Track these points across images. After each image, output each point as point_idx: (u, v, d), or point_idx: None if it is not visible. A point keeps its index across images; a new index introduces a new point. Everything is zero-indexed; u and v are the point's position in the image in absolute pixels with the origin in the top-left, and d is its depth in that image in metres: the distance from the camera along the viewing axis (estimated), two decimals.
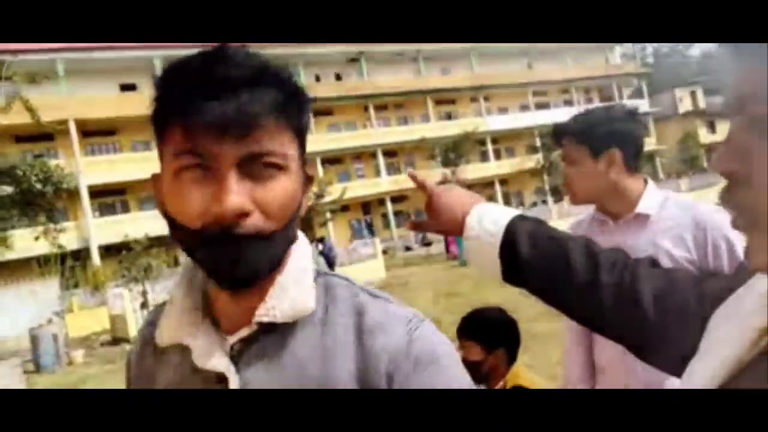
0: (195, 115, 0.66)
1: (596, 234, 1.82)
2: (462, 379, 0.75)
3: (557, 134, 1.85)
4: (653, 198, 1.75)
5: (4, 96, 11.91)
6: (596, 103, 44.56)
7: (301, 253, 0.80)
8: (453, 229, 1.11)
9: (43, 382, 11.47)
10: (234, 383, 0.74)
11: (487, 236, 1.04)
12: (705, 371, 0.64)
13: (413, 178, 1.19)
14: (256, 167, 0.69)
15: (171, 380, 0.80)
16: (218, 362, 0.75)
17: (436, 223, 1.13)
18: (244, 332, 0.75)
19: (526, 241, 1.00)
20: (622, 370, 1.74)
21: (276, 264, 0.74)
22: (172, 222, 0.72)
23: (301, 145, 0.76)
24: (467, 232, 1.07)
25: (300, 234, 0.82)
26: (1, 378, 11.89)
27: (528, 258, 0.99)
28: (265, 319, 0.74)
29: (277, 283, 0.75)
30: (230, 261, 0.69)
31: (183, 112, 0.66)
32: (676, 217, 1.71)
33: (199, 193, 0.69)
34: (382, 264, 21.41)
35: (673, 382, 1.66)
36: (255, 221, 0.69)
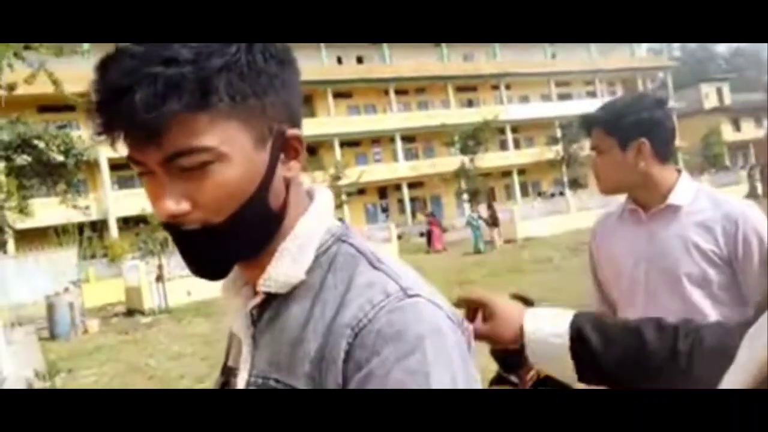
0: (107, 129, 0.67)
1: (627, 224, 1.81)
2: (438, 369, 0.65)
3: (585, 124, 1.83)
4: (685, 189, 1.72)
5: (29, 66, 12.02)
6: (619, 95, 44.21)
7: (309, 221, 0.77)
8: (510, 336, 1.10)
9: (57, 349, 11.67)
10: (246, 347, 0.79)
11: (552, 338, 1.04)
12: (734, 384, 0.64)
13: (469, 298, 1.16)
14: (183, 165, 0.68)
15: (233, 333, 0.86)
16: (237, 325, 0.80)
17: (494, 331, 1.12)
18: (256, 300, 0.78)
19: (595, 334, 1.00)
20: None
21: (242, 250, 0.75)
22: None
23: (259, 126, 0.71)
24: (528, 336, 1.07)
25: (321, 198, 0.81)
26: (16, 344, 12.10)
27: (602, 349, 0.99)
28: (263, 289, 0.76)
29: (279, 251, 0.75)
30: (185, 256, 0.73)
31: (102, 128, 0.67)
32: (707, 210, 1.68)
33: (153, 196, 0.71)
34: (396, 249, 21.45)
35: None
36: (196, 217, 0.70)
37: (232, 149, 0.69)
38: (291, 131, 0.75)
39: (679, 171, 1.77)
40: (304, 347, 0.71)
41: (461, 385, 0.66)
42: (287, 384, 0.72)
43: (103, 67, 0.67)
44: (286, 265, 0.75)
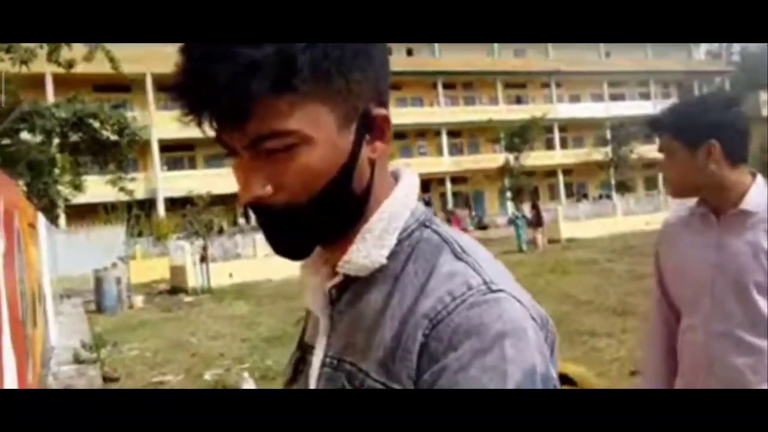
0: (192, 111, 0.67)
1: (696, 229, 1.74)
2: (516, 368, 0.62)
3: (653, 127, 1.78)
4: (760, 194, 1.64)
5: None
6: (673, 99, 42.88)
7: (393, 202, 0.75)
8: None
9: (103, 322, 12.02)
10: (323, 327, 0.78)
11: None
12: None
13: None
14: (267, 148, 0.67)
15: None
16: (315, 304, 0.80)
17: None
18: (335, 280, 0.77)
19: None
20: (704, 373, 1.68)
21: (324, 232, 0.74)
22: None
23: (343, 107, 0.69)
24: None
25: (406, 180, 0.78)
26: (64, 315, 12.51)
27: None
28: (343, 271, 0.75)
29: (360, 234, 0.74)
30: (268, 236, 0.73)
31: (187, 110, 0.67)
32: None
33: (239, 177, 0.71)
34: None
35: (754, 382, 1.59)
36: (280, 199, 0.69)
37: (316, 132, 0.67)
38: (377, 111, 0.73)
39: (753, 174, 1.69)
40: (380, 334, 0.70)
41: (539, 387, 0.63)
42: (360, 368, 0.71)
43: (188, 49, 0.66)
44: (368, 248, 0.73)
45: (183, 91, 0.66)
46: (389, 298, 0.71)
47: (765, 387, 1.59)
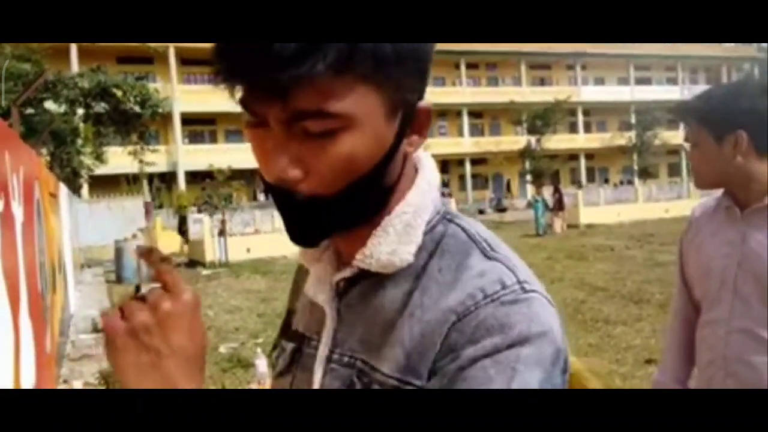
0: (229, 78, 0.61)
1: (721, 222, 1.69)
2: (528, 370, 0.60)
3: (679, 114, 1.72)
4: None
5: None
6: (701, 84, 41.94)
7: (419, 195, 0.71)
8: None
9: (122, 292, 12.20)
10: (330, 321, 0.74)
11: None
12: None
13: None
14: (307, 128, 0.61)
15: (305, 299, 0.82)
16: (320, 296, 0.76)
17: None
18: (346, 272, 0.73)
19: None
20: (722, 370, 1.65)
21: (343, 224, 0.69)
22: None
23: (393, 95, 0.65)
24: None
25: (427, 168, 0.74)
26: (84, 284, 12.71)
27: None
28: (362, 266, 0.71)
29: (382, 227, 0.69)
30: (288, 222, 0.68)
31: (223, 75, 0.61)
32: None
33: (258, 151, 0.66)
34: None
35: None
36: (306, 187, 0.64)
37: (363, 118, 0.63)
38: (422, 104, 0.69)
39: None
40: (398, 333, 0.67)
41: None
42: (373, 366, 0.68)
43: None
44: (391, 243, 0.69)
45: (231, 53, 0.61)
46: (409, 295, 0.68)
47: None
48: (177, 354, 0.62)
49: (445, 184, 42.20)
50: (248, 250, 17.25)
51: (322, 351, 0.74)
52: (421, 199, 0.71)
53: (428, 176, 0.73)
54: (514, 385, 0.60)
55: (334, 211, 0.66)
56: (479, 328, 0.62)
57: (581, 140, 44.76)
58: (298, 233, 0.69)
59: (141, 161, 19.77)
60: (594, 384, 2.18)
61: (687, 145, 1.71)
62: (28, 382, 3.04)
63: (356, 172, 0.64)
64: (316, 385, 0.73)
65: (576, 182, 22.27)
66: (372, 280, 0.71)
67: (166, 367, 0.62)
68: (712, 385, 1.68)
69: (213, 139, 37.18)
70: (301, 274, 0.89)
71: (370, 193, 0.68)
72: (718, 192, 1.74)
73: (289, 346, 0.82)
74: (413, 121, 0.69)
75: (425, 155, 0.76)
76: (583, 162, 44.69)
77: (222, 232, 16.88)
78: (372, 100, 0.63)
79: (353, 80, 0.61)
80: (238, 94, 0.63)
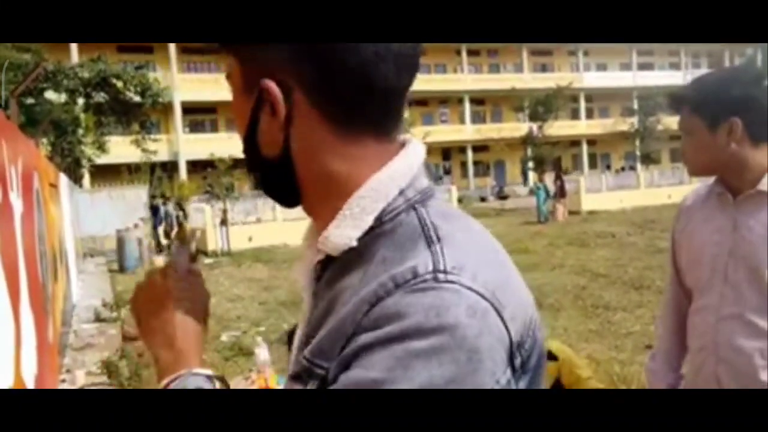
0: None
1: (713, 208, 1.69)
2: (421, 366, 0.57)
3: (673, 102, 1.71)
4: None
5: None
6: (704, 69, 41.65)
7: (379, 179, 0.69)
8: None
9: (124, 281, 12.23)
10: (306, 305, 0.77)
11: None
12: None
13: None
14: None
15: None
16: (302, 281, 0.79)
17: None
18: (319, 256, 0.74)
19: None
20: (712, 356, 1.66)
21: (282, 190, 0.76)
22: None
23: (249, 66, 0.71)
24: None
25: (404, 155, 0.72)
26: (87, 274, 12.76)
27: None
28: (320, 247, 0.72)
29: (341, 212, 0.70)
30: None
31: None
32: None
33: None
34: None
35: (762, 366, 1.57)
36: None
37: (234, 84, 0.75)
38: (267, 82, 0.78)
39: None
40: (330, 318, 0.67)
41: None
42: (311, 350, 0.68)
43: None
44: (346, 226, 0.69)
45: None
46: (350, 281, 0.68)
47: None
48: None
49: (446, 171, 42.14)
50: (250, 239, 17.29)
51: (299, 335, 0.76)
52: (381, 186, 0.69)
53: (397, 165, 0.71)
54: (398, 378, 0.57)
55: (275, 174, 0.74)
56: (381, 317, 0.60)
57: (583, 126, 44.60)
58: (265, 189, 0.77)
59: (144, 150, 19.75)
60: (585, 372, 2.20)
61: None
62: (29, 372, 3.06)
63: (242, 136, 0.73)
64: (289, 371, 0.73)
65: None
66: (335, 265, 0.72)
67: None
68: (702, 372, 1.69)
69: (214, 128, 37.10)
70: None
71: (268, 168, 0.74)
72: (711, 179, 1.74)
73: (296, 333, 0.83)
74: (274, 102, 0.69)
75: (413, 144, 0.74)
76: (585, 148, 44.58)
77: (224, 222, 16.90)
78: (236, 69, 0.72)
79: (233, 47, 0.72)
80: None
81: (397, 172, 0.70)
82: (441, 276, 0.61)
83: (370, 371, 0.58)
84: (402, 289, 0.61)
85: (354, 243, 0.68)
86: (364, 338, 0.60)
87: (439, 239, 0.65)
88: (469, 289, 0.61)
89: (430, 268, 0.62)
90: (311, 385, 0.65)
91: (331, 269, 0.72)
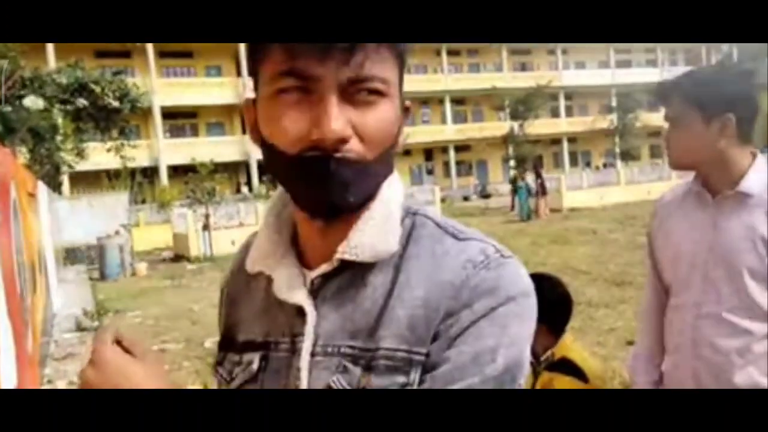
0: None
1: (691, 206, 1.69)
2: (515, 324, 0.70)
3: (664, 92, 1.67)
4: (759, 176, 1.57)
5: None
6: (681, 66, 42.01)
7: (392, 190, 0.77)
8: None
9: (106, 289, 12.11)
10: (311, 317, 0.75)
11: None
12: None
13: None
14: (357, 92, 0.68)
15: (255, 307, 0.82)
16: (298, 295, 0.76)
17: None
18: (325, 267, 0.75)
19: None
20: (690, 354, 1.67)
21: (370, 195, 0.73)
22: (268, 149, 0.72)
23: (401, 72, 0.74)
24: None
25: (394, 170, 0.79)
26: (67, 282, 12.60)
27: None
28: (347, 257, 0.73)
29: (363, 220, 0.73)
30: (327, 185, 0.68)
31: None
32: None
33: (298, 117, 0.68)
34: (439, 211, 21.40)
35: (739, 365, 1.58)
36: (354, 147, 0.68)
37: (394, 89, 0.72)
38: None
39: (754, 155, 1.61)
40: (392, 314, 0.71)
41: (526, 344, 0.71)
42: (367, 348, 0.71)
43: None
44: (374, 234, 0.73)
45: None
46: (393, 280, 0.73)
47: (750, 370, 1.57)
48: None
49: (429, 171, 42.20)
50: (233, 243, 17.16)
51: (307, 347, 0.74)
52: (394, 193, 0.77)
53: (396, 174, 0.79)
54: (505, 339, 0.68)
55: (366, 177, 0.71)
56: (473, 293, 0.69)
57: (563, 124, 44.89)
58: (334, 196, 0.69)
59: (122, 157, 19.56)
60: (584, 354, 2.22)
61: (666, 125, 1.68)
62: (9, 383, 3.02)
63: (389, 139, 0.72)
64: (303, 381, 0.73)
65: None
66: (350, 272, 0.74)
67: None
68: (680, 369, 1.70)
69: (195, 132, 36.84)
70: (233, 286, 0.89)
71: (386, 170, 0.75)
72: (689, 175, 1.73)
73: (253, 356, 0.80)
74: (404, 109, 0.77)
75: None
76: (566, 146, 44.85)
77: (206, 226, 16.78)
78: (398, 72, 0.72)
79: (389, 52, 0.70)
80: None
81: (398, 181, 0.79)
82: (504, 253, 0.73)
83: (487, 340, 0.68)
84: (482, 269, 0.71)
85: (397, 247, 0.74)
86: (467, 315, 0.69)
87: (462, 231, 0.76)
88: (519, 262, 0.75)
89: (493, 249, 0.73)
90: (415, 374, 0.69)
91: (343, 277, 0.75)
